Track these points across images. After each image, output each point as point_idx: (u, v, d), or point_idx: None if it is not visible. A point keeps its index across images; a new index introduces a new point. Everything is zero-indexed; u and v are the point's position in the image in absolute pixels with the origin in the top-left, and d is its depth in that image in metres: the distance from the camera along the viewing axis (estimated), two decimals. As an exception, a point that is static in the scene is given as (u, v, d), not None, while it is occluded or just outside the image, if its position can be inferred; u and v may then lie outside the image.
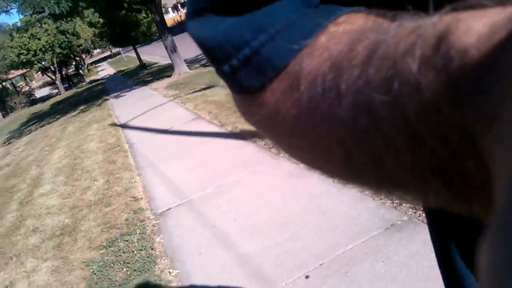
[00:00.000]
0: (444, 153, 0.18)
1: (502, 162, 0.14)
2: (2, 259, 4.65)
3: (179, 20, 62.98)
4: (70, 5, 14.20)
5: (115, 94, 15.91)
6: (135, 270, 3.27)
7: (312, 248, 2.69)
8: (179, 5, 66.81)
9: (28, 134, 15.02)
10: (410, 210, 2.70)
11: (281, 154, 4.37)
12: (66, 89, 30.32)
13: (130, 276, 3.22)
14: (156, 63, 22.13)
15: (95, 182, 6.02)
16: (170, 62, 15.12)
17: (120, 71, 27.34)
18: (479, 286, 0.12)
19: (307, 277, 2.47)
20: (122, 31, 22.64)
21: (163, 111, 9.05)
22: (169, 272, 3.09)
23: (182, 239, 3.51)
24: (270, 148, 4.64)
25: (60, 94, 27.73)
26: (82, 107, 15.73)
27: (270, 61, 0.28)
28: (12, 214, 6.18)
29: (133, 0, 16.34)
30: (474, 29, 0.17)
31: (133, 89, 15.30)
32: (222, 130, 6.10)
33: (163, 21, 15.31)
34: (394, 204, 2.80)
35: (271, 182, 3.90)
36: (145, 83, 15.50)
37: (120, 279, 3.25)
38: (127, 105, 11.92)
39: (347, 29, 0.25)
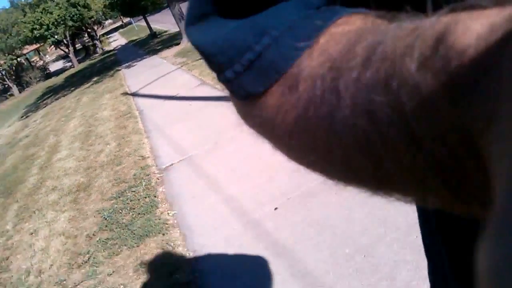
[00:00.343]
0: (443, 153, 0.18)
1: (500, 162, 0.14)
2: (26, 213, 5.27)
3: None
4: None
5: (126, 64, 16.37)
6: (139, 213, 3.82)
7: (282, 187, 3.18)
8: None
9: (44, 107, 15.66)
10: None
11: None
12: (80, 61, 30.89)
13: (135, 218, 3.77)
14: (166, 31, 22.42)
15: (108, 146, 6.57)
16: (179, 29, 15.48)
17: (132, 41, 27.75)
18: None
19: (275, 208, 2.97)
20: (132, 1, 22.92)
21: (171, 79, 9.51)
22: (168, 213, 3.63)
23: (181, 188, 4.03)
24: (262, 107, 5.08)
25: (73, 67, 28.31)
26: (95, 79, 16.28)
27: (274, 65, 0.28)
28: (34, 177, 6.79)
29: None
30: (472, 29, 0.17)
31: (144, 58, 15.74)
32: (223, 94, 6.54)
33: (170, -11, 15.62)
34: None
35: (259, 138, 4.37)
36: (155, 52, 15.92)
37: (126, 221, 3.80)
38: (138, 74, 12.39)
39: (345, 30, 0.26)
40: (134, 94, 9.84)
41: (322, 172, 0.29)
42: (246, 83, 0.30)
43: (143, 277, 2.93)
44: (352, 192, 2.74)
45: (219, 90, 6.78)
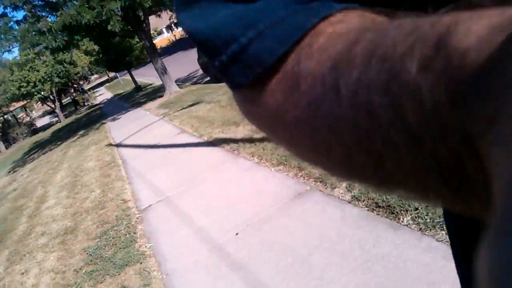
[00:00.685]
0: (443, 154, 0.18)
1: (500, 163, 0.14)
2: (17, 256, 5.67)
3: (174, 39, 64.44)
4: (66, 39, 15.28)
5: (112, 117, 16.96)
6: (120, 248, 4.27)
7: (244, 216, 3.68)
8: (172, 25, 68.02)
9: (31, 161, 16.06)
10: (313, 183, 3.68)
11: (240, 154, 5.36)
12: (66, 116, 31.45)
13: (116, 252, 4.21)
14: (151, 84, 23.19)
15: (93, 193, 7.02)
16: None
17: (117, 94, 28.48)
18: None
19: (237, 234, 3.45)
20: (117, 57, 23.72)
21: (153, 129, 10.07)
22: (145, 246, 4.09)
23: (158, 225, 4.49)
24: (234, 150, 5.62)
25: (60, 122, 28.83)
26: (81, 132, 16.80)
27: (257, 58, 0.29)
28: (23, 225, 7.18)
29: (124, 29, 17.42)
30: (473, 30, 0.16)
31: (129, 111, 16.36)
32: (200, 140, 7.09)
33: (153, 46, 16.47)
34: (303, 180, 3.79)
35: (229, 176, 4.89)
36: (139, 104, 16.57)
37: (109, 255, 4.24)
38: (122, 126, 12.95)
39: (344, 29, 0.26)
40: (118, 145, 10.34)
41: (324, 168, 0.29)
42: (232, 73, 0.31)
43: (123, 299, 3.36)
44: (299, 214, 3.24)
45: (196, 137, 7.34)
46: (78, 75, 35.74)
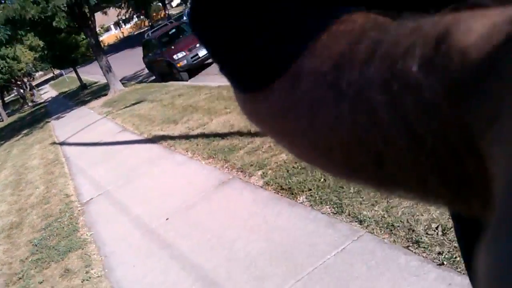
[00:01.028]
0: (444, 153, 0.18)
1: (501, 163, 0.14)
2: (-36, 251, 5.92)
3: (122, 36, 63.64)
4: (9, 33, 15.12)
5: (56, 116, 16.96)
6: (63, 237, 4.67)
7: (175, 204, 4.17)
8: (121, 21, 67.06)
9: (-26, 161, 15.88)
10: (235, 172, 4.22)
11: (176, 150, 5.83)
12: (9, 115, 30.66)
13: (60, 241, 4.62)
14: (96, 82, 23.17)
15: (37, 189, 7.31)
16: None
17: (62, 92, 28.16)
18: None
19: (167, 219, 3.95)
20: (62, 54, 23.37)
21: (96, 127, 10.36)
22: (87, 234, 4.51)
23: (98, 216, 4.92)
24: (171, 147, 6.09)
25: (2, 121, 28.09)
26: (25, 131, 16.70)
27: (271, 62, 0.29)
28: (-32, 223, 7.37)
29: (70, 25, 17.32)
30: (474, 30, 0.16)
31: (73, 109, 16.45)
32: (140, 137, 7.50)
33: (98, 44, 16.58)
34: (228, 170, 4.34)
35: (164, 170, 5.36)
36: (84, 103, 16.67)
37: (53, 244, 4.64)
38: (66, 125, 13.10)
39: (347, 29, 0.26)
40: (62, 143, 10.56)
41: (324, 168, 0.28)
42: (245, 77, 0.31)
43: (67, 279, 3.79)
44: (220, 200, 3.77)
45: (137, 134, 7.74)
46: (22, 71, 34.83)
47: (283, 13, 0.29)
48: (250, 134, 5.07)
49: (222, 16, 0.31)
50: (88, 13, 15.63)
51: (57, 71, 56.97)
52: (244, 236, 3.15)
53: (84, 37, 23.46)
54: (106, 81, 17.41)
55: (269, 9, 0.29)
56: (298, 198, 3.29)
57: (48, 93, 36.06)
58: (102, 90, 17.76)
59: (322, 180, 3.35)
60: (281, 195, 3.45)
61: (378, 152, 0.21)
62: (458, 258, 2.13)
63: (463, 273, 2.02)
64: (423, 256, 2.27)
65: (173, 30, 15.30)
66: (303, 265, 2.60)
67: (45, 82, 56.45)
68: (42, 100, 30.95)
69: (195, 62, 13.00)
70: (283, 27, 0.29)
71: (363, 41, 0.23)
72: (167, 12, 42.48)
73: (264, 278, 2.65)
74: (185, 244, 3.41)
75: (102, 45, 20.62)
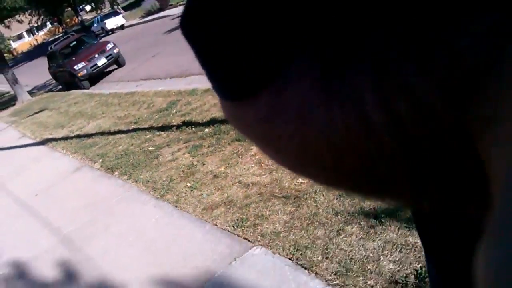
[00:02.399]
0: (441, 155, 0.18)
1: (500, 164, 0.14)
2: None
3: (36, 43, 62.60)
4: None
5: (-36, 126, 17.69)
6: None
7: (42, 185, 5.81)
8: (34, 28, 65.79)
9: None
10: (89, 162, 5.92)
11: (69, 153, 7.42)
12: None
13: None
14: (8, 92, 23.72)
15: None
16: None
17: (-29, 103, 28.24)
18: None
19: (36, 195, 5.59)
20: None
21: (1, 135, 11.61)
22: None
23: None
24: (53, 147, 7.66)
25: None
26: None
27: (262, 70, 0.26)
28: None
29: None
30: (471, 30, 0.16)
31: (-18, 120, 17.28)
32: (34, 141, 8.97)
33: (2, 56, 17.48)
34: (84, 161, 6.04)
35: (43, 164, 6.96)
36: (-7, 113, 17.54)
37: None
38: (-26, 135, 14.13)
39: None
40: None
41: (311, 177, 0.27)
42: (234, 86, 0.28)
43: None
44: (73, 181, 5.45)
45: (32, 138, 9.21)
46: None
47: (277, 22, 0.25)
48: (110, 133, 6.79)
49: (214, 25, 0.27)
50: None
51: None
52: (83, 206, 4.88)
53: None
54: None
55: (264, 16, 0.25)
56: (114, 173, 5.06)
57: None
58: (11, 101, 18.56)
59: (132, 160, 5.14)
60: (108, 173, 5.20)
61: (370, 157, 0.20)
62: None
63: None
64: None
65: (74, 42, 16.66)
66: (111, 211, 4.36)
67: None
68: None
69: (94, 71, 14.59)
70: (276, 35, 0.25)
71: None
72: (79, 18, 43.02)
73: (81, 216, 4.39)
74: (46, 211, 5.08)
75: (16, 53, 21.18)
